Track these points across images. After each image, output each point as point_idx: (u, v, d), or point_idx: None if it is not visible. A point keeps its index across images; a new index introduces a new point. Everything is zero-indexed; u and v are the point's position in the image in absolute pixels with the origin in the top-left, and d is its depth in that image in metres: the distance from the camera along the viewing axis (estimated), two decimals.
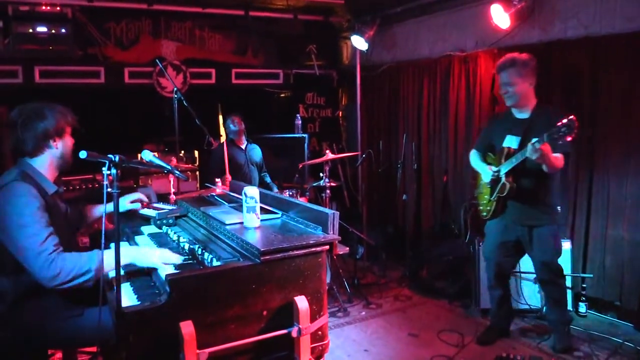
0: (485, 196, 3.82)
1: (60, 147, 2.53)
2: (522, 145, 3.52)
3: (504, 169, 3.57)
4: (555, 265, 3.73)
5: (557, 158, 3.35)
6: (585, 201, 4.36)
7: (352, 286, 5.03)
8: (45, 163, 2.52)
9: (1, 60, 5.11)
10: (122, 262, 2.38)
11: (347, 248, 5.03)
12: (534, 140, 3.20)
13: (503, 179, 3.59)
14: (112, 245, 2.30)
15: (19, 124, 2.44)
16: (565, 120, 2.98)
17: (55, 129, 2.49)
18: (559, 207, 3.73)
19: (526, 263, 4.15)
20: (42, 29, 5.11)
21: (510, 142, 3.64)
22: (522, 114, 3.66)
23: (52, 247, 2.29)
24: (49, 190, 2.48)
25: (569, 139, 3.02)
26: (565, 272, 3.86)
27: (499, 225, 3.85)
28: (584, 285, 4.32)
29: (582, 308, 4.33)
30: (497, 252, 3.90)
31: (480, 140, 4.03)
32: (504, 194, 3.60)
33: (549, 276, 3.74)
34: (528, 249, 3.76)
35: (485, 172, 3.75)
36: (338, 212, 2.48)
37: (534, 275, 4.27)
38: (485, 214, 3.85)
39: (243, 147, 5.52)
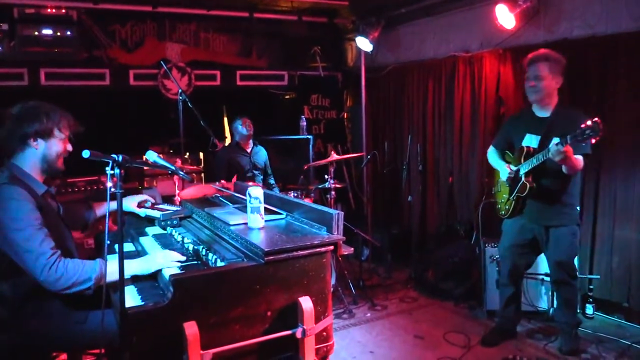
0: (504, 195, 3.80)
1: (41, 148, 2.47)
2: (542, 144, 3.51)
3: (524, 168, 3.55)
4: (570, 266, 3.70)
5: (578, 160, 3.34)
6: (592, 202, 4.32)
7: (357, 288, 5.01)
8: (29, 163, 2.48)
9: (7, 62, 5.12)
10: (129, 273, 2.41)
11: (352, 249, 5.01)
12: (556, 141, 3.18)
13: (523, 179, 3.56)
14: (116, 246, 2.30)
15: (8, 120, 2.44)
16: (589, 123, 2.96)
17: (37, 130, 2.43)
18: (578, 207, 3.71)
19: (535, 264, 4.12)
20: (47, 31, 5.13)
21: (530, 141, 3.63)
22: (543, 113, 3.64)
23: (50, 250, 2.29)
24: (38, 190, 2.46)
25: (593, 141, 3.02)
26: None
27: (515, 224, 3.83)
28: (591, 287, 4.29)
29: (589, 310, 4.29)
30: (512, 251, 3.87)
31: (498, 138, 4.00)
32: (524, 194, 3.58)
33: (562, 276, 3.71)
34: (544, 248, 3.74)
35: (504, 171, 3.72)
36: (342, 212, 2.47)
37: (542, 277, 4.25)
38: (503, 212, 3.84)
39: (249, 150, 5.51)
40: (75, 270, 2.29)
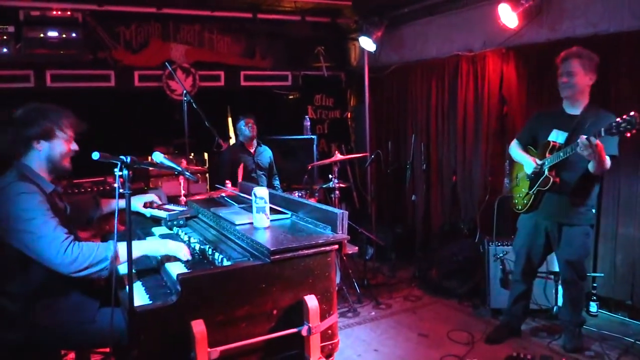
0: (523, 189, 3.78)
1: (45, 149, 2.49)
2: (569, 141, 3.48)
3: (549, 162, 3.52)
4: (580, 266, 3.69)
5: (606, 158, 3.28)
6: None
7: (361, 287, 5.04)
8: (36, 163, 2.51)
9: (13, 64, 5.16)
10: (139, 253, 2.47)
11: (356, 248, 5.02)
12: (585, 135, 3.12)
13: (546, 173, 3.54)
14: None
15: (12, 124, 2.46)
16: (625, 116, 2.91)
17: (38, 133, 2.45)
18: (594, 210, 3.69)
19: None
20: (53, 33, 5.16)
21: (557, 136, 3.60)
22: (574, 110, 3.61)
23: (64, 234, 2.32)
24: (46, 189, 2.49)
25: (628, 135, 2.94)
26: None
27: (530, 222, 3.82)
28: (595, 285, 4.28)
29: (593, 307, 4.29)
30: (527, 248, 3.86)
31: (523, 132, 3.97)
32: (546, 188, 3.55)
33: (571, 276, 3.70)
34: (555, 246, 3.73)
35: (528, 164, 3.68)
36: (347, 212, 2.49)
37: (544, 274, 4.26)
38: (520, 207, 3.81)
39: (252, 150, 5.53)
40: (90, 251, 2.32)
